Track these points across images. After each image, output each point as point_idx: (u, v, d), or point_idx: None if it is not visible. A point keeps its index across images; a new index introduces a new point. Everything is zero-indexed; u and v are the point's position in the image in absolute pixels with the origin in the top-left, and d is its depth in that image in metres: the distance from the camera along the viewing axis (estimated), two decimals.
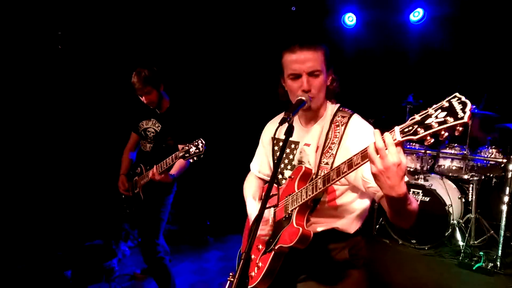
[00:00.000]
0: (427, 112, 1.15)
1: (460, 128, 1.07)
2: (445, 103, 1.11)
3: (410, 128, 1.17)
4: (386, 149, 1.21)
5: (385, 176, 1.23)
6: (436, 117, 1.11)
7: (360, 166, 1.34)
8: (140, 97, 3.05)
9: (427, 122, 1.13)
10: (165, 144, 3.11)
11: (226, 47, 5.63)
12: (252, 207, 2.00)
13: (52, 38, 4.08)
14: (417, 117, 1.16)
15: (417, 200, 4.36)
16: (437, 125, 1.11)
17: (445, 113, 1.10)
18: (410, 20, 5.33)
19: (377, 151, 1.23)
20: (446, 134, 1.10)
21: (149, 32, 4.85)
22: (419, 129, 1.14)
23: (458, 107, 1.08)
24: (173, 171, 3.04)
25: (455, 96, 1.11)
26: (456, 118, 1.07)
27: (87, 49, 4.42)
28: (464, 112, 1.06)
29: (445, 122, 1.09)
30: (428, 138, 1.13)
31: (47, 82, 4.17)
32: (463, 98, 1.09)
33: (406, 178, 1.51)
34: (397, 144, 1.20)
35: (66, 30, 4.16)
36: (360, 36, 5.70)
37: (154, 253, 3.14)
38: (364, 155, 1.31)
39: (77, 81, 4.40)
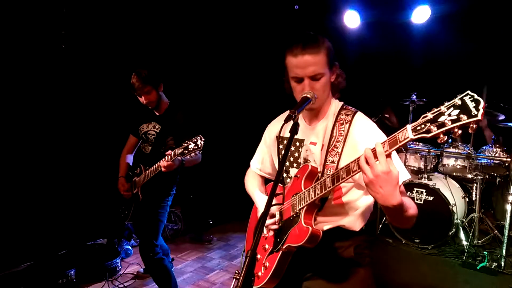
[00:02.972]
0: (440, 110, 1.14)
1: (474, 126, 1.07)
2: (457, 101, 1.12)
3: (423, 126, 1.17)
4: (376, 159, 1.27)
5: (377, 185, 1.29)
6: (449, 114, 1.11)
7: None
8: (139, 97, 3.06)
9: (440, 120, 1.13)
10: (165, 146, 3.11)
11: (227, 45, 5.62)
12: (262, 201, 1.97)
13: (56, 37, 4.07)
14: (429, 115, 1.16)
15: (421, 200, 4.36)
16: (450, 122, 1.10)
17: (458, 110, 1.10)
18: (413, 19, 5.30)
19: (367, 162, 1.30)
20: (460, 132, 1.10)
21: (150, 30, 4.83)
22: (432, 127, 1.14)
23: (471, 104, 1.08)
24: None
25: (467, 94, 1.11)
26: (469, 115, 1.07)
27: (90, 49, 4.41)
28: (477, 110, 1.06)
29: (458, 119, 1.09)
30: (442, 136, 1.13)
31: (49, 82, 4.16)
32: (476, 96, 1.09)
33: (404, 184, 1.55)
34: (387, 155, 1.27)
35: (70, 29, 4.15)
36: (363, 35, 5.68)
37: (153, 254, 3.13)
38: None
39: (79, 81, 4.39)
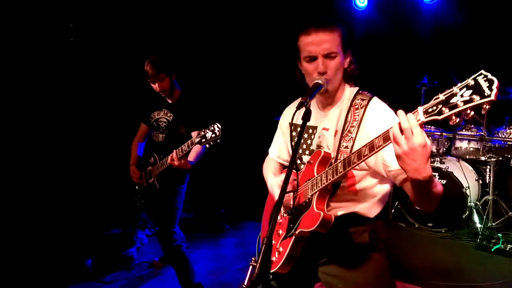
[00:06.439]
0: (452, 91, 1.11)
1: (487, 107, 1.03)
2: (470, 81, 1.07)
3: (434, 108, 1.14)
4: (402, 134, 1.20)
5: (410, 158, 1.21)
6: (462, 95, 1.07)
7: (381, 148, 1.32)
8: (153, 84, 3.05)
9: (452, 101, 1.09)
10: (177, 134, 3.13)
11: (238, 35, 5.58)
12: (273, 180, 1.96)
13: (64, 30, 4.09)
14: (442, 97, 1.13)
15: None
16: (462, 104, 1.07)
17: (470, 91, 1.06)
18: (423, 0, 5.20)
19: (402, 132, 1.20)
20: (472, 113, 1.07)
21: (159, 22, 4.82)
22: (443, 108, 1.11)
23: (484, 84, 1.04)
24: (191, 157, 3.01)
25: (481, 74, 1.06)
26: (482, 96, 1.03)
27: (98, 42, 4.43)
28: (490, 90, 1.02)
29: (471, 100, 1.05)
30: (454, 117, 1.10)
31: (59, 75, 4.19)
32: (490, 75, 1.04)
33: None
34: (420, 126, 1.18)
35: (78, 22, 4.16)
36: (372, 17, 5.59)
37: (171, 241, 3.19)
38: (386, 137, 1.29)
39: (89, 73, 4.42)
